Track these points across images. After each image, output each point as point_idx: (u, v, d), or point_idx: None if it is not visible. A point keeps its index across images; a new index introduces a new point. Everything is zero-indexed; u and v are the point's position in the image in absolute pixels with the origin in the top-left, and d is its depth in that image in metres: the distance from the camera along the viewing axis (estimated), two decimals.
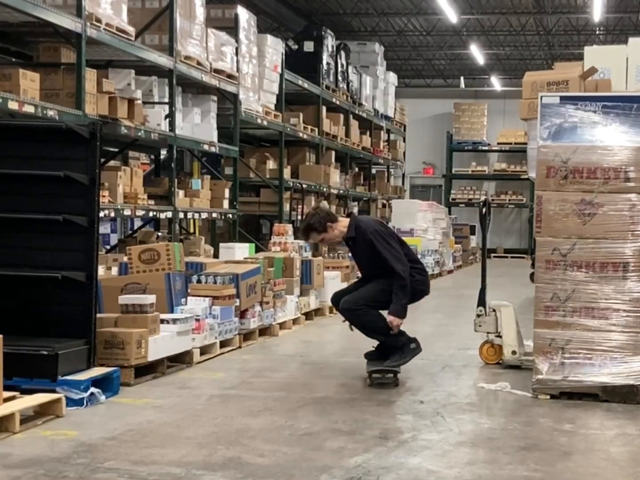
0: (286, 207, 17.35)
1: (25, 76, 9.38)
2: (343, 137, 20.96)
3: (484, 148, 32.69)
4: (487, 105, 32.42)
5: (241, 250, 11.80)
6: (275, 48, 16.31)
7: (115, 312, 7.42)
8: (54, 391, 6.16)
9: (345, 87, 21.12)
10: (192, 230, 16.41)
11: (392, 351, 7.43)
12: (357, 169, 24.05)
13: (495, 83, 32.99)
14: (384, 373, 7.39)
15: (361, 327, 7.51)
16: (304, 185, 18.07)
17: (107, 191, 10.66)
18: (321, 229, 7.56)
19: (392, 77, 25.35)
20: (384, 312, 7.48)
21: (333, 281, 12.33)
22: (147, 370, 7.32)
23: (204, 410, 6.35)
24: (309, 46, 19.20)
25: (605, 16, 24.21)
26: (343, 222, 7.62)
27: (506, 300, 8.40)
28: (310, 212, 7.94)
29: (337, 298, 7.71)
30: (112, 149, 13.62)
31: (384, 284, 7.36)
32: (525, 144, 12.03)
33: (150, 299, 7.45)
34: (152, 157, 16.50)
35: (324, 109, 19.55)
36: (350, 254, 8.54)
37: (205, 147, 13.81)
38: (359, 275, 8.11)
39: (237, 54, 14.37)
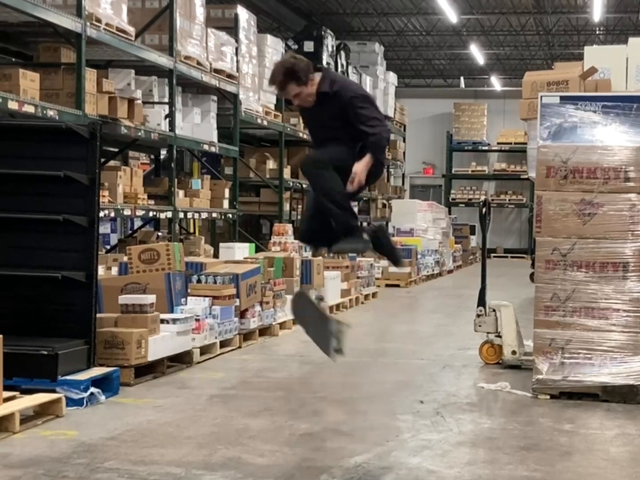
0: (286, 207, 17.35)
1: (25, 76, 9.38)
2: None
3: (484, 148, 32.69)
4: (487, 105, 32.42)
5: (241, 250, 11.81)
6: (275, 48, 16.32)
7: (115, 312, 7.42)
8: (54, 391, 6.16)
9: None
10: (192, 230, 16.41)
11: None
12: None
13: (495, 83, 32.98)
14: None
15: (320, 188, 5.98)
16: (304, 185, 18.04)
17: (107, 191, 10.67)
18: (304, 79, 5.90)
19: (392, 77, 25.33)
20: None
21: (333, 281, 12.32)
22: (147, 370, 7.31)
23: (204, 410, 6.34)
24: (309, 46, 19.19)
25: (605, 16, 24.20)
26: (316, 77, 6.03)
27: (506, 300, 8.39)
28: (289, 57, 6.25)
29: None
30: (112, 149, 13.62)
31: (346, 145, 5.97)
32: (525, 144, 12.03)
33: (150, 299, 7.44)
34: (152, 157, 16.50)
35: None
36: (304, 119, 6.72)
37: (205, 147, 13.81)
38: None
39: (237, 54, 14.38)
